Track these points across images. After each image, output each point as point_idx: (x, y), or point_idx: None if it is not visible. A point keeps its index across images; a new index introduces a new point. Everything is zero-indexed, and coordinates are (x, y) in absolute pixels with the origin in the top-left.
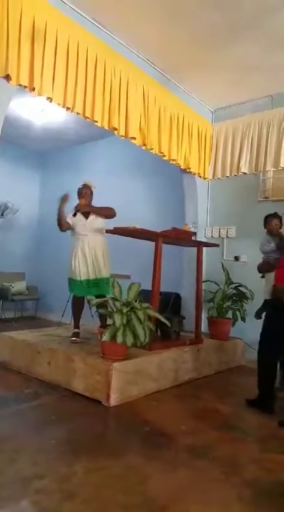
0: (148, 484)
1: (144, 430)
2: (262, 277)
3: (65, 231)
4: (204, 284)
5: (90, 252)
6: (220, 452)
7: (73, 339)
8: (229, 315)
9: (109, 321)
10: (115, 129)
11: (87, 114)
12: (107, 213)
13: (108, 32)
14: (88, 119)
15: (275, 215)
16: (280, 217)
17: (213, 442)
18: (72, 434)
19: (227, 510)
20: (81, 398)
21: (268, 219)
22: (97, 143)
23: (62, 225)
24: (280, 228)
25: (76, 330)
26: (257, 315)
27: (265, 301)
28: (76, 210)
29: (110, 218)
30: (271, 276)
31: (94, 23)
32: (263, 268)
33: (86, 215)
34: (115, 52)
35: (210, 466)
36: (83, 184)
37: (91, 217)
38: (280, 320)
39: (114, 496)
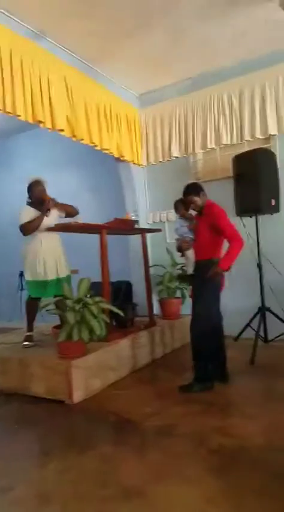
0: (122, 473)
1: (110, 420)
2: (182, 256)
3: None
4: (151, 268)
5: (55, 249)
6: (185, 427)
7: (25, 343)
8: (178, 294)
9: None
10: (41, 122)
11: (8, 109)
12: (73, 210)
13: (22, 23)
14: (10, 114)
15: (181, 201)
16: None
17: (177, 418)
18: (39, 438)
19: (201, 482)
20: (42, 401)
21: (176, 204)
22: (24, 135)
23: (35, 230)
24: (188, 210)
25: (29, 333)
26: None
27: (187, 275)
28: (47, 208)
29: (72, 216)
30: (189, 253)
31: (6, 13)
32: (184, 247)
33: (46, 212)
34: (31, 43)
35: (177, 442)
36: (36, 181)
37: (53, 213)
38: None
39: (92, 491)
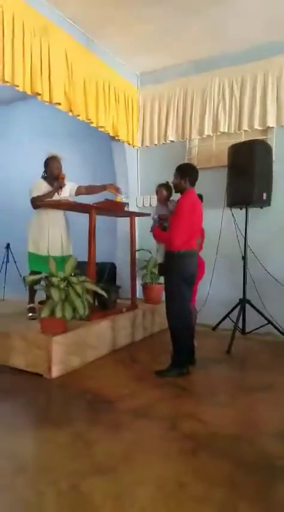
0: (95, 449)
1: (87, 398)
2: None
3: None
4: (137, 253)
5: (61, 227)
6: (160, 410)
7: (30, 314)
8: (161, 280)
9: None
10: (39, 94)
11: (7, 79)
12: (99, 189)
13: None
14: (8, 84)
15: (162, 185)
16: (169, 187)
17: (152, 401)
18: (15, 409)
19: (170, 464)
20: (21, 373)
21: (157, 188)
22: (20, 104)
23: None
24: (169, 197)
25: (31, 305)
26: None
27: (160, 264)
28: (60, 186)
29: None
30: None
31: None
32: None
33: (58, 189)
34: (34, 11)
35: (151, 424)
36: (53, 156)
37: (65, 192)
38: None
39: (65, 465)
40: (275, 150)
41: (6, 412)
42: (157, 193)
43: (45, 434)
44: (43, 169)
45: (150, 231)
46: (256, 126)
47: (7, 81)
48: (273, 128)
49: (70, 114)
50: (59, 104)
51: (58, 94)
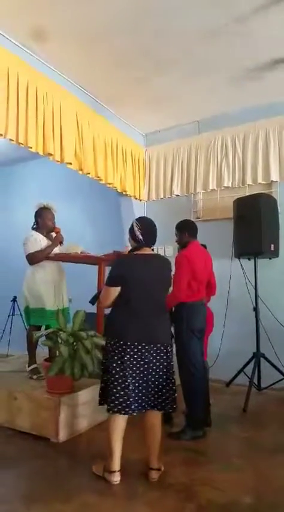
0: None
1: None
2: None
3: None
4: None
5: (61, 279)
6: (174, 478)
7: (36, 376)
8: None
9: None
10: (51, 154)
11: (21, 141)
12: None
13: (39, 59)
14: (22, 145)
15: None
16: None
17: (165, 467)
18: (21, 480)
19: None
20: (27, 437)
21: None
22: (29, 164)
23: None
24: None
25: (35, 366)
26: None
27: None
28: (61, 240)
29: None
30: None
31: (25, 49)
32: None
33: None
34: (46, 78)
35: (166, 495)
36: (45, 207)
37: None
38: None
39: None
40: (280, 202)
41: (10, 482)
42: None
43: (54, 508)
44: (34, 221)
45: None
46: (260, 180)
47: (21, 143)
48: (277, 182)
49: (80, 172)
50: (70, 163)
51: (69, 154)
